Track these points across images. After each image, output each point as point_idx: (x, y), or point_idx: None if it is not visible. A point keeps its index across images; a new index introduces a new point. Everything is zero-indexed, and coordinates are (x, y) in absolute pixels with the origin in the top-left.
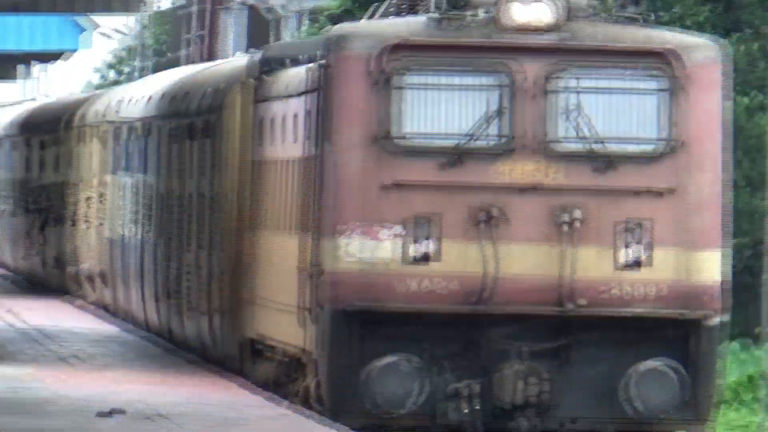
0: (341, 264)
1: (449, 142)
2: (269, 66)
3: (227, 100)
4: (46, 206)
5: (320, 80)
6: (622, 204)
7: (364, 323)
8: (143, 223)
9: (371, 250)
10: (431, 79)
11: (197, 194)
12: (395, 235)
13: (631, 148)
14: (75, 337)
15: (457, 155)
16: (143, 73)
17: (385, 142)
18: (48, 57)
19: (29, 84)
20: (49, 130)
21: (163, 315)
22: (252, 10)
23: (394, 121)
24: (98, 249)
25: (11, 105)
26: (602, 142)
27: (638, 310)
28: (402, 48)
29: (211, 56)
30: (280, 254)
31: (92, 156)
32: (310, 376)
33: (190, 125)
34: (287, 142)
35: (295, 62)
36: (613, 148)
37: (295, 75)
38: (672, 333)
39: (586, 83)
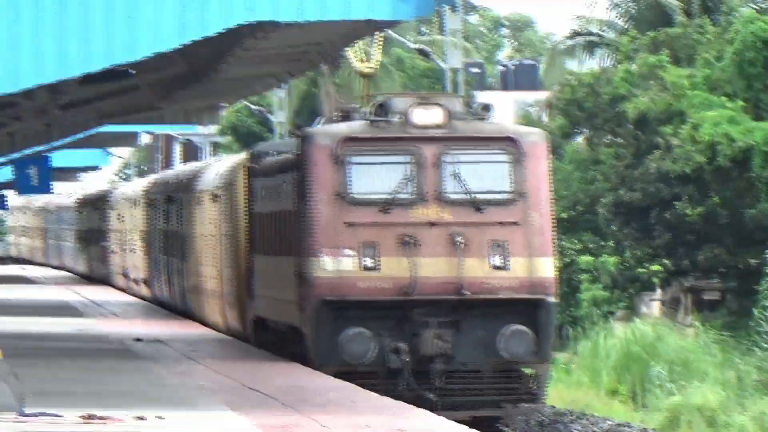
0: (319, 273)
1: (382, 197)
2: (255, 158)
3: (236, 177)
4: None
5: (298, 162)
6: (489, 231)
7: (334, 309)
8: (172, 251)
9: (336, 264)
10: (369, 159)
11: (211, 234)
12: (350, 255)
13: (492, 197)
14: (114, 304)
15: (386, 204)
16: (131, 177)
17: (342, 198)
18: (91, 169)
19: (80, 184)
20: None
21: (190, 302)
22: (184, 144)
23: (347, 184)
24: (146, 265)
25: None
26: (474, 193)
27: (503, 295)
28: (350, 140)
29: (167, 167)
30: (272, 268)
31: (139, 215)
32: (298, 342)
33: (210, 193)
34: (273, 201)
35: (274, 155)
36: (481, 197)
37: (276, 160)
38: (526, 309)
39: (463, 158)
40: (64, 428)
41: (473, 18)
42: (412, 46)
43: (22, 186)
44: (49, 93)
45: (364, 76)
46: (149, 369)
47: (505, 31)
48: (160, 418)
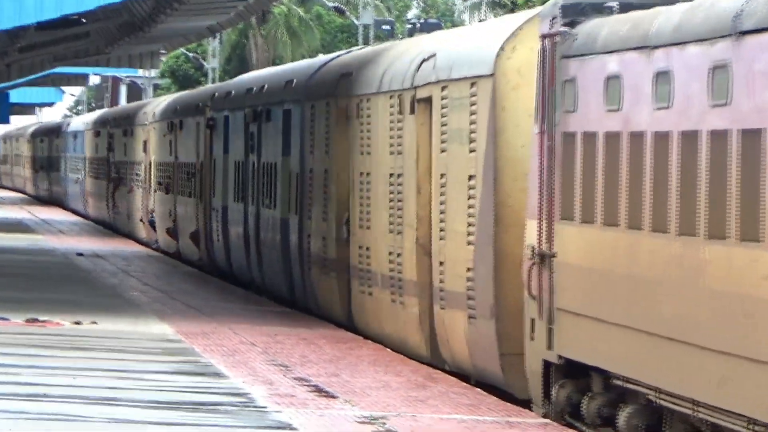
0: None
1: None
2: (570, 17)
3: (498, 65)
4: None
5: None
6: None
7: None
8: (263, 196)
9: None
10: None
11: (392, 173)
12: None
13: None
14: (63, 223)
15: None
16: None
17: None
18: (46, 105)
19: (36, 117)
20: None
21: (309, 289)
22: (129, 85)
23: None
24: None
25: (29, 125)
26: None
27: None
28: None
29: (114, 105)
30: (653, 263)
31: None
32: None
33: (401, 96)
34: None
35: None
36: None
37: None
38: None
39: None
40: (9, 330)
41: None
42: (330, 4)
43: None
44: (8, 38)
45: None
46: (89, 280)
47: None
48: (94, 323)
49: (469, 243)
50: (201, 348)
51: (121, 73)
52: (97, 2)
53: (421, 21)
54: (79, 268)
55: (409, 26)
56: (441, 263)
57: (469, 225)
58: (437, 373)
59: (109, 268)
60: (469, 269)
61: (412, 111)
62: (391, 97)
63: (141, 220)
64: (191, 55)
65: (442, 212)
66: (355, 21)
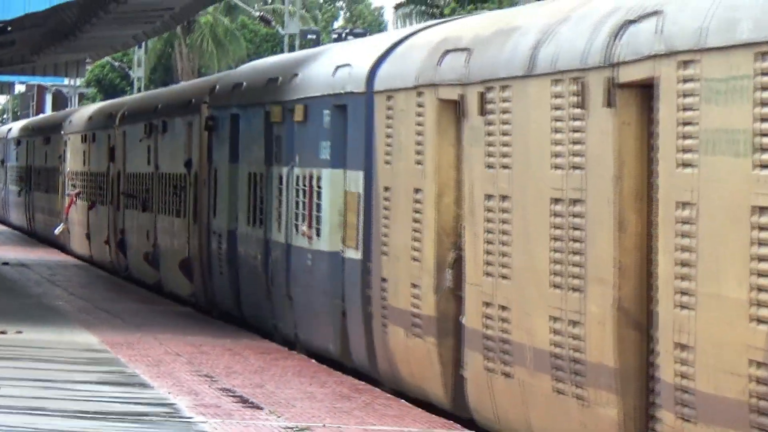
0: None
1: None
2: None
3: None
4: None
5: None
6: None
7: None
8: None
9: None
10: None
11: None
12: None
13: None
14: None
15: None
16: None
17: None
18: None
19: None
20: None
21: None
22: (55, 93)
23: None
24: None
25: None
26: None
27: None
28: None
29: (39, 113)
30: None
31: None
32: None
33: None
34: None
35: None
36: None
37: None
38: None
39: None
40: None
41: None
42: (256, 14)
43: None
44: None
45: None
46: (14, 289)
47: (340, 3)
48: (19, 332)
49: (756, 320)
50: (126, 358)
51: (47, 81)
52: (23, 9)
53: (347, 31)
54: (4, 278)
55: (335, 36)
56: (681, 346)
57: (757, 290)
58: (362, 384)
59: (34, 278)
60: (757, 363)
61: (609, 103)
62: (556, 83)
63: (106, 243)
64: (117, 64)
65: (683, 264)
66: (280, 30)
